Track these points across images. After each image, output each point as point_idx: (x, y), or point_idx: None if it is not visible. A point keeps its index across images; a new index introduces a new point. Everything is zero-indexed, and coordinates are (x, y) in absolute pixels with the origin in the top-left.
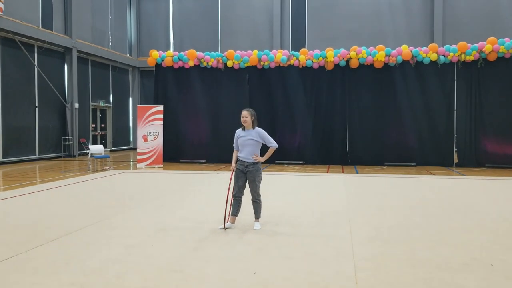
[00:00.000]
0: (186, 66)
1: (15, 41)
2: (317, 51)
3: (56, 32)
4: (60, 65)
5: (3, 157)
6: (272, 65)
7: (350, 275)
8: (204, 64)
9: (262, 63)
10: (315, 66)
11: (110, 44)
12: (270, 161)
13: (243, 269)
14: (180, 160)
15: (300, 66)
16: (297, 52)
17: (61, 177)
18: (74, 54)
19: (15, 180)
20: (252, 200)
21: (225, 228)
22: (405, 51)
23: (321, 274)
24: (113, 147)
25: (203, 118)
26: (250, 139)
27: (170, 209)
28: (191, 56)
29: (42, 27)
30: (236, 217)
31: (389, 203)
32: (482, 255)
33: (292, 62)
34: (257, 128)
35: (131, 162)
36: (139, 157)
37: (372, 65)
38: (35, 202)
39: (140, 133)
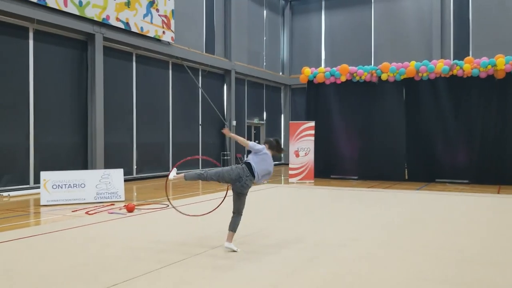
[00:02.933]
0: (338, 82)
1: (183, 66)
2: (484, 59)
3: (217, 56)
4: (220, 86)
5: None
6: (432, 76)
7: None
8: (357, 78)
9: (420, 74)
10: (483, 75)
11: (264, 64)
12: (429, 180)
13: None
14: (331, 176)
15: (465, 76)
16: (461, 61)
17: (221, 189)
18: (233, 75)
19: (183, 190)
20: (238, 215)
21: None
22: None
23: None
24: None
25: (355, 133)
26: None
27: (324, 224)
28: (344, 71)
29: (205, 52)
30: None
31: None
32: None
33: (455, 72)
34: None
35: (283, 177)
36: (290, 172)
37: None
38: (202, 210)
39: (292, 148)
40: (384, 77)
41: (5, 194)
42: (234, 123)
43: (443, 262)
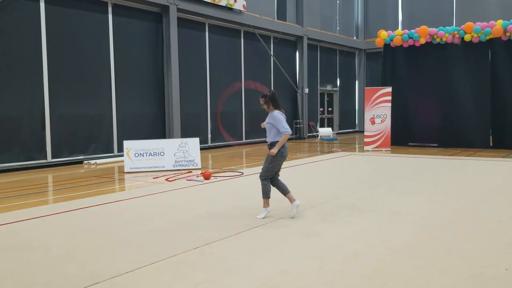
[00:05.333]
0: (417, 44)
1: (255, 34)
2: None
3: (289, 23)
4: (292, 53)
5: (246, 138)
6: None
7: None
8: (438, 40)
9: (508, 34)
10: None
11: (338, 28)
12: None
13: (493, 264)
14: (409, 143)
15: None
16: None
17: (292, 157)
18: (305, 42)
19: (256, 158)
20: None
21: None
22: None
23: None
24: (339, 130)
25: (435, 99)
26: (267, 123)
27: (402, 194)
28: (423, 33)
29: (277, 19)
30: (290, 194)
31: None
32: None
33: None
34: (275, 111)
35: (357, 145)
36: (366, 139)
37: None
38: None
39: (367, 116)
40: (467, 38)
41: (92, 161)
42: (306, 90)
43: None
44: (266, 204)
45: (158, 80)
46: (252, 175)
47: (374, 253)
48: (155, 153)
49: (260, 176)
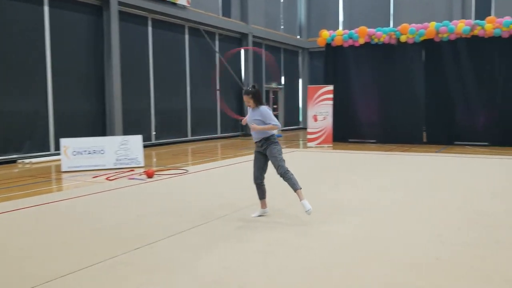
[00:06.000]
0: (356, 44)
1: (200, 30)
2: (507, 18)
3: (234, 20)
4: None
5: (191, 135)
6: (452, 37)
7: None
8: (376, 40)
9: (440, 35)
10: (505, 35)
11: (282, 27)
12: (448, 142)
13: (426, 255)
14: (349, 140)
15: (486, 36)
16: (482, 21)
17: (239, 154)
18: (250, 39)
19: (201, 156)
20: (281, 176)
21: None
22: None
23: None
24: (284, 126)
25: (373, 97)
26: (255, 119)
27: (343, 188)
28: (362, 34)
29: (222, 16)
30: (266, 200)
31: None
32: None
33: (476, 32)
34: (261, 107)
35: (301, 141)
36: (309, 136)
37: None
38: (220, 175)
39: (310, 113)
40: (403, 38)
41: (27, 161)
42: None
43: (462, 225)
44: (301, 196)
45: (98, 76)
46: (197, 173)
47: (318, 246)
48: (94, 151)
49: (282, 173)
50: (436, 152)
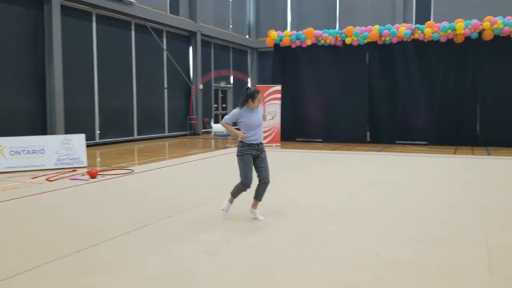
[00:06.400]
0: (304, 45)
1: (147, 27)
2: (445, 23)
3: (182, 17)
4: (185, 48)
5: (138, 134)
6: (394, 40)
7: (483, 263)
8: (322, 42)
9: (383, 38)
10: (443, 39)
11: (231, 26)
12: (390, 141)
13: (368, 250)
14: (297, 139)
15: (426, 40)
16: (422, 25)
17: (187, 153)
18: (198, 38)
19: (148, 155)
20: (263, 182)
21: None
22: None
23: (452, 260)
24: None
25: (320, 97)
26: (260, 118)
27: (290, 186)
28: (309, 35)
29: (169, 13)
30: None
31: None
32: None
33: (416, 36)
34: (258, 108)
35: None
36: None
37: (509, 36)
38: (167, 175)
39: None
40: (348, 41)
41: None
42: (201, 86)
43: (402, 220)
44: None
45: (39, 72)
46: (143, 173)
47: (266, 245)
48: (34, 151)
49: (269, 179)
50: (379, 151)
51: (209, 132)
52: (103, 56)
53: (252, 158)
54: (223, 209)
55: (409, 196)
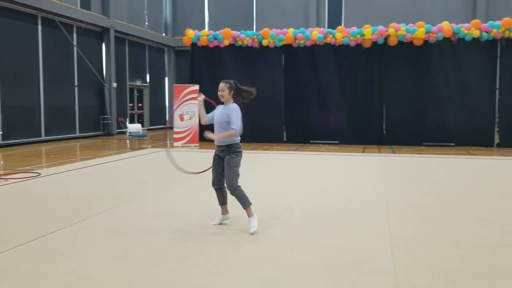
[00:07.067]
0: (222, 45)
1: (55, 21)
2: (354, 29)
3: (94, 12)
4: (98, 45)
5: (46, 135)
6: (308, 44)
7: (388, 254)
8: (240, 43)
9: (297, 41)
10: (352, 44)
11: (146, 23)
12: (305, 141)
13: (280, 248)
14: None
15: (337, 44)
16: (333, 30)
17: (100, 155)
18: (112, 34)
19: (57, 157)
20: (228, 190)
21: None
22: (446, 27)
23: (358, 253)
24: (150, 126)
25: (237, 97)
26: (224, 121)
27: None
28: (226, 35)
29: (80, 7)
30: (227, 205)
31: (427, 183)
32: None
33: (328, 40)
34: (232, 104)
35: (168, 141)
36: (175, 136)
37: (411, 42)
38: (78, 178)
39: (176, 112)
40: (264, 42)
41: None
42: (114, 85)
43: (313, 216)
44: (251, 213)
45: None
46: (52, 176)
47: (175, 248)
48: None
49: (230, 186)
50: (294, 150)
51: (124, 133)
52: (6, 51)
53: (219, 158)
54: (253, 228)
55: (321, 193)
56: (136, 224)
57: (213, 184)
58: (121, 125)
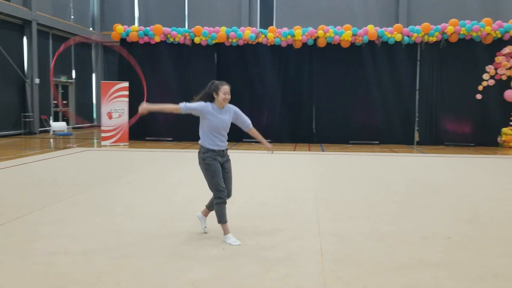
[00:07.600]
0: (152, 42)
1: None
2: (285, 29)
3: (14, 4)
4: (18, 38)
5: None
6: (241, 43)
7: (316, 249)
8: (171, 40)
9: (230, 40)
10: (283, 44)
11: (72, 17)
12: (238, 139)
13: (214, 245)
14: (146, 138)
15: (269, 44)
16: (265, 30)
17: (21, 155)
18: (34, 27)
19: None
20: (225, 197)
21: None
22: (371, 31)
23: (287, 248)
24: (75, 124)
25: (169, 96)
26: (229, 120)
27: (138, 188)
28: (157, 32)
29: None
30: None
31: (353, 181)
32: (441, 229)
33: (260, 39)
34: (230, 105)
35: (95, 140)
36: (103, 134)
37: (339, 44)
38: (1, 180)
39: (104, 110)
40: (197, 40)
41: None
42: (37, 81)
43: (246, 214)
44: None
45: None
46: None
47: (107, 249)
48: None
49: (231, 195)
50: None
51: (47, 131)
52: None
53: (219, 164)
54: (230, 243)
55: (253, 190)
56: (55, 230)
57: (228, 196)
58: (44, 123)
